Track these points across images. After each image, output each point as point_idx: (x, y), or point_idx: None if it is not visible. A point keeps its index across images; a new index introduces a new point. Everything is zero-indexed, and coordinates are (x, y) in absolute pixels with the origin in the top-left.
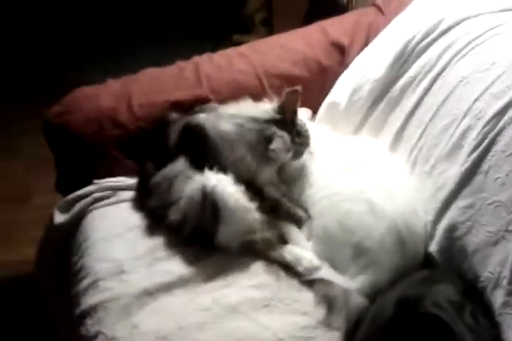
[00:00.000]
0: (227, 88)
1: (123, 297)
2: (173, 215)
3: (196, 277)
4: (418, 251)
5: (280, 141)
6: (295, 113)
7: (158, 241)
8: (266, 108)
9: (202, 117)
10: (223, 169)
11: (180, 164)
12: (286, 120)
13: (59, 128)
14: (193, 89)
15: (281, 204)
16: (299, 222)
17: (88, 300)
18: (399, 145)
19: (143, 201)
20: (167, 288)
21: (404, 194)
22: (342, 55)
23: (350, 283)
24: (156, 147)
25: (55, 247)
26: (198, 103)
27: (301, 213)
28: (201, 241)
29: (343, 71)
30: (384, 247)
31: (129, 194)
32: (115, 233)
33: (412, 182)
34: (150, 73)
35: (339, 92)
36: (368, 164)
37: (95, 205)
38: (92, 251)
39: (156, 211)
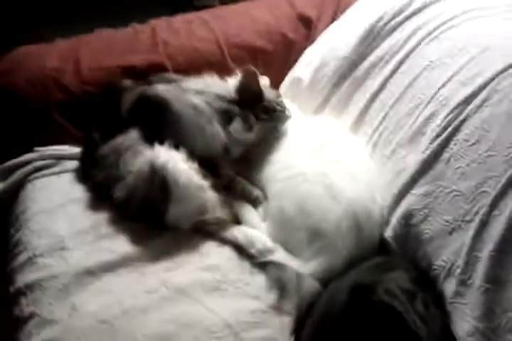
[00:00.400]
0: (185, 55)
1: (61, 276)
2: (120, 192)
3: (143, 257)
4: (374, 236)
5: (239, 121)
6: (259, 90)
7: (102, 216)
8: (230, 86)
9: (161, 88)
10: (177, 144)
11: (131, 136)
12: (247, 99)
13: None
14: (148, 55)
15: (236, 182)
16: (254, 202)
17: (24, 278)
18: (361, 126)
19: (87, 173)
20: (111, 267)
21: (364, 177)
22: (308, 28)
23: (304, 267)
24: (104, 115)
25: None
26: (152, 69)
27: (257, 192)
28: (149, 218)
29: (308, 46)
30: (340, 231)
31: (73, 164)
32: (56, 205)
33: (372, 166)
34: (103, 35)
35: (303, 68)
36: (330, 145)
37: (36, 174)
38: (31, 224)
39: (101, 185)
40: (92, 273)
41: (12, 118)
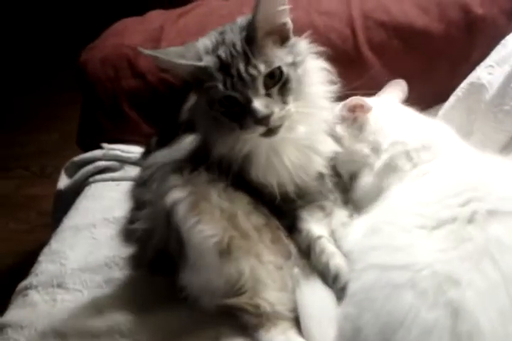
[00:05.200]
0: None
1: (28, 328)
2: (141, 223)
3: (132, 333)
4: None
5: None
6: None
7: (125, 250)
8: None
9: None
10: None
11: (177, 148)
12: None
13: (79, 66)
14: None
15: (308, 236)
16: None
17: (8, 312)
18: None
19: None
20: (88, 336)
21: None
22: None
23: None
24: (169, 113)
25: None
26: None
27: (338, 268)
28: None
29: (510, 30)
30: None
31: (136, 171)
32: (88, 223)
33: None
34: (206, 5)
35: (493, 67)
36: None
37: (96, 177)
38: (54, 241)
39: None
40: (62, 336)
41: (89, 102)
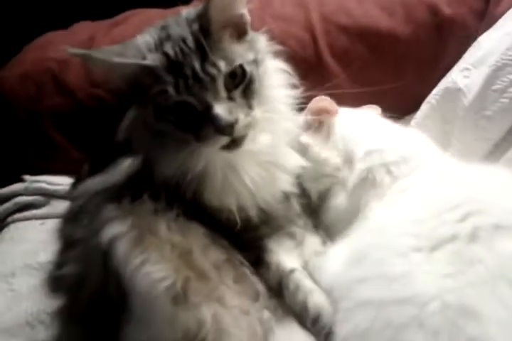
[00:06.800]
0: None
1: None
2: (71, 267)
3: None
4: None
5: None
6: None
7: (51, 303)
8: None
9: None
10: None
11: (117, 171)
12: None
13: None
14: None
15: (278, 269)
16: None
17: None
18: None
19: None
20: None
21: None
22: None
23: None
24: (105, 135)
25: None
26: None
27: (319, 306)
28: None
29: (482, 29)
30: None
31: (65, 206)
32: (5, 272)
33: None
34: (143, 14)
35: (468, 70)
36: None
37: (16, 216)
38: None
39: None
40: None
41: (5, 127)
